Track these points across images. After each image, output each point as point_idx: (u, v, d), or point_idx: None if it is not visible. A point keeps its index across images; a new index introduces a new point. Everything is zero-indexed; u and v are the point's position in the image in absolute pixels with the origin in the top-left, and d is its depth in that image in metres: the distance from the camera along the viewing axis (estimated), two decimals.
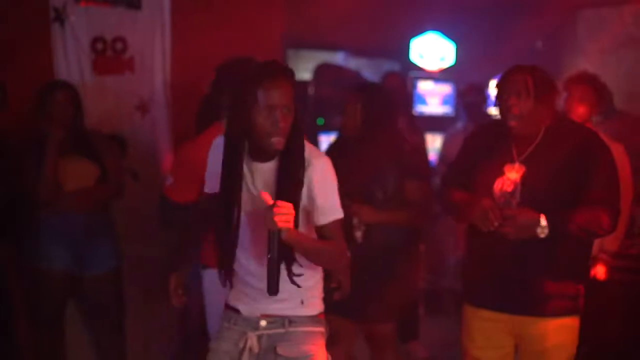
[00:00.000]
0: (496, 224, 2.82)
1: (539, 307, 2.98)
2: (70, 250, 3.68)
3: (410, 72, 6.56)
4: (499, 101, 2.97)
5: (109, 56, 4.31)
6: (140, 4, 4.35)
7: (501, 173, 2.97)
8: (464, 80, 6.20)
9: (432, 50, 6.51)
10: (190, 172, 3.10)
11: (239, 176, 2.41)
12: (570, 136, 2.99)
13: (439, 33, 6.56)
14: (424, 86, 6.66)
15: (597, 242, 3.37)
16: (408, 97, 6.11)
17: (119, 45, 4.33)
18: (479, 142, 3.17)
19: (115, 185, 3.83)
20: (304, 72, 6.22)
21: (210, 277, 3.22)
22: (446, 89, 6.76)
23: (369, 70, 6.56)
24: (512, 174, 2.95)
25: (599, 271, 3.93)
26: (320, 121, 5.52)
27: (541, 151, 2.96)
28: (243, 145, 2.39)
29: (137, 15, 4.37)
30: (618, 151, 3.60)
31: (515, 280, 2.95)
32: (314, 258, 2.46)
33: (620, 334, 4.06)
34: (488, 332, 3.08)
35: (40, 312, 3.70)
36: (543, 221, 2.80)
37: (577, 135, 3.01)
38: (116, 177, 3.83)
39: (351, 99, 3.58)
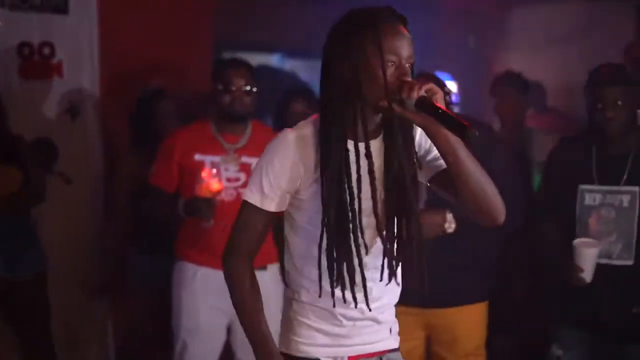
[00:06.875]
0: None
1: (446, 299, 3.08)
2: None
3: None
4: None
5: (36, 61, 4.33)
6: (67, 9, 4.38)
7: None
8: None
9: None
10: (167, 157, 3.41)
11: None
12: None
13: None
14: None
15: None
16: None
17: (46, 50, 4.35)
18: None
19: (38, 191, 3.86)
20: None
21: (182, 270, 3.39)
22: None
23: (305, 72, 6.59)
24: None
25: None
26: None
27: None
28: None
29: (64, 20, 4.39)
30: None
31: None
32: (471, 165, 1.87)
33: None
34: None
35: None
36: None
37: None
38: (39, 182, 3.86)
39: None
